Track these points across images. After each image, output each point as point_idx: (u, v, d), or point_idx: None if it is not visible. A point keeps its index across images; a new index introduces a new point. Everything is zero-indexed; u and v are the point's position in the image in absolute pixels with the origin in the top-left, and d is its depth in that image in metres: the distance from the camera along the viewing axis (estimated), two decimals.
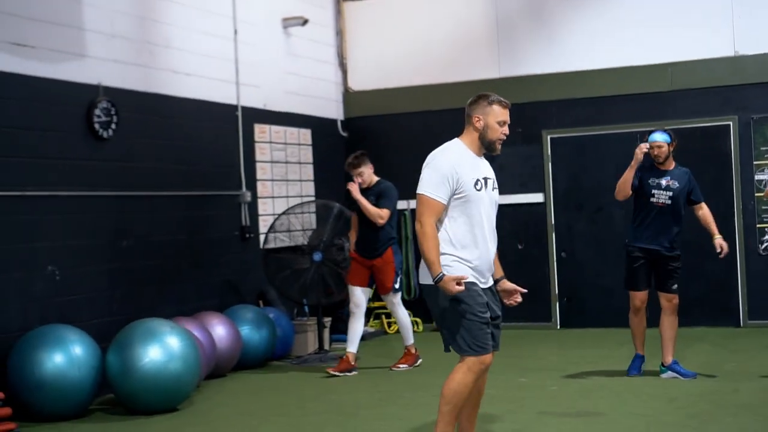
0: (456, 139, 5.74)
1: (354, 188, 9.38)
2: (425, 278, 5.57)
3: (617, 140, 11.84)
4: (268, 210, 11.22)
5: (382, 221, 9.33)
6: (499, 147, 5.69)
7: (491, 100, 5.65)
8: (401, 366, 9.58)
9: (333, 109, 12.92)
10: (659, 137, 8.59)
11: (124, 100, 9.15)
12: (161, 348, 7.79)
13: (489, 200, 5.66)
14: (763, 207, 11.33)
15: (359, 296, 9.51)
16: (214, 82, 10.53)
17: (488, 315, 5.52)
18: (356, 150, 12.75)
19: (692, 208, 8.68)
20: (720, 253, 8.55)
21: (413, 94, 12.80)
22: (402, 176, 12.54)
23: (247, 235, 10.80)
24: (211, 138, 10.42)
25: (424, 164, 5.64)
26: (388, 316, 12.74)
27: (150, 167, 9.52)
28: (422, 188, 5.52)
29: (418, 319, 12.63)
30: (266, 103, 11.40)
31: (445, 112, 12.66)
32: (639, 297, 8.67)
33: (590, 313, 11.93)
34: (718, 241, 8.56)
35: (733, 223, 11.37)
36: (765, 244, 11.39)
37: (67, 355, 7.63)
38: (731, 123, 11.44)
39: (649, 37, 11.73)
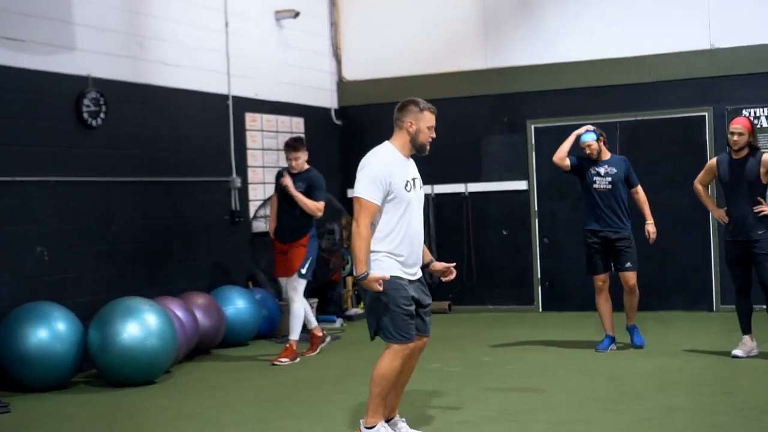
0: (387, 142, 6.16)
1: (289, 183, 9.31)
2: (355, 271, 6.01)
3: (600, 129, 12.18)
4: (258, 195, 11.72)
5: (320, 214, 9.40)
6: (428, 148, 6.12)
7: (422, 107, 6.06)
8: (283, 360, 9.21)
9: (327, 99, 13.39)
10: (588, 137, 9.33)
11: (113, 90, 9.66)
12: (139, 325, 8.32)
13: (417, 199, 6.10)
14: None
15: (289, 288, 9.51)
16: (204, 73, 11.02)
17: (413, 307, 5.96)
18: (351, 138, 13.33)
19: (631, 193, 9.35)
20: (649, 239, 9.31)
21: (405, 83, 13.19)
22: None
23: (237, 220, 11.29)
24: (201, 127, 10.92)
25: (359, 168, 6.06)
26: None
27: (139, 154, 10.04)
28: (358, 191, 5.94)
29: None
30: (257, 92, 11.88)
31: (434, 101, 12.87)
32: (600, 279, 9.35)
33: (571, 297, 12.32)
34: (648, 227, 9.32)
35: (707, 211, 11.69)
36: None
37: (50, 331, 8.17)
38: (707, 114, 11.80)
39: (629, 30, 12.11)
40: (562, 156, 9.35)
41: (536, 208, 12.59)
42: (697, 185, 8.93)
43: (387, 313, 5.88)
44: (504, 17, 12.78)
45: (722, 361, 8.46)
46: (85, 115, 9.36)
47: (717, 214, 8.81)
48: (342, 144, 13.55)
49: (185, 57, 10.72)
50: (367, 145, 12.76)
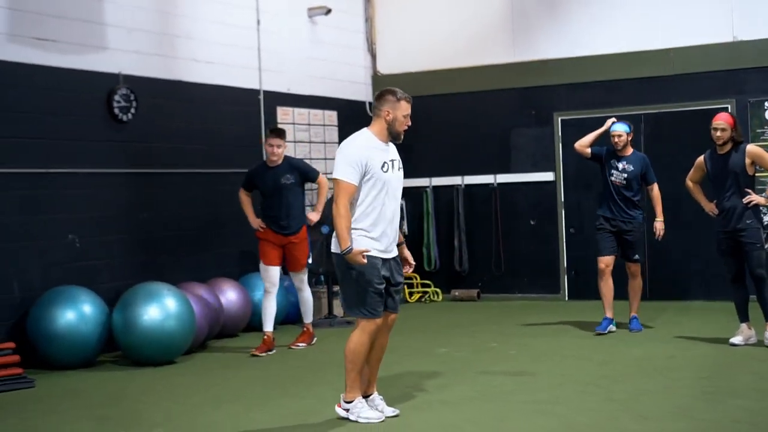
0: (365, 129, 6.56)
1: (316, 217, 9.63)
2: (336, 248, 6.42)
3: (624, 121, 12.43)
4: None
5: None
6: (402, 136, 6.50)
7: (399, 97, 6.44)
8: (300, 345, 9.60)
9: (362, 92, 13.82)
10: (620, 127, 9.80)
11: (143, 87, 10.22)
12: (159, 308, 8.86)
13: (396, 179, 6.48)
14: (759, 188, 11.76)
15: (275, 275, 9.48)
16: (236, 69, 11.53)
17: (383, 286, 6.35)
18: None
19: (647, 190, 9.78)
20: (656, 235, 9.77)
21: (437, 77, 13.61)
22: (427, 153, 13.52)
23: None
24: (232, 120, 11.42)
25: (337, 152, 6.49)
26: (410, 286, 13.62)
27: (169, 147, 10.59)
28: (336, 173, 6.36)
29: (438, 290, 13.48)
30: (290, 87, 12.36)
31: (464, 94, 13.49)
32: (603, 261, 9.91)
33: (596, 286, 12.52)
34: (656, 224, 9.83)
35: None
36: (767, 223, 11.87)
37: (77, 313, 8.77)
38: (729, 106, 11.94)
39: (652, 23, 12.32)
40: (584, 144, 9.95)
41: (562, 199, 12.87)
42: (688, 182, 9.22)
43: (357, 289, 6.28)
44: (531, 12, 13.07)
45: (718, 348, 8.70)
46: (116, 111, 9.93)
47: (708, 208, 9.02)
48: None
49: (216, 54, 11.23)
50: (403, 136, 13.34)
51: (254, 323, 10.71)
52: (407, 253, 6.70)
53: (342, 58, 13.39)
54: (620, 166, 9.80)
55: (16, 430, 6.64)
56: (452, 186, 13.50)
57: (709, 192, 9.07)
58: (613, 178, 9.79)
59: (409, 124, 6.53)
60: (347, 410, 6.44)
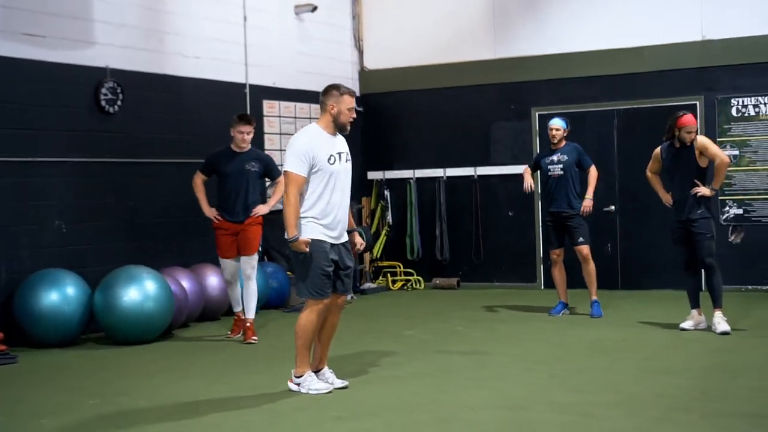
0: (313, 123, 7.03)
1: (264, 210, 9.52)
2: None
3: (599, 117, 12.92)
4: None
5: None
6: (348, 128, 6.96)
7: (342, 91, 6.91)
8: (254, 339, 9.30)
9: (348, 87, 14.22)
10: (558, 122, 10.55)
11: (130, 80, 10.71)
12: (138, 290, 9.34)
13: (343, 171, 6.95)
14: (725, 181, 12.19)
15: (232, 267, 9.45)
16: (222, 63, 12.01)
17: (331, 268, 6.82)
18: (372, 123, 14.22)
19: (586, 173, 10.47)
20: (582, 211, 10.39)
21: (421, 72, 14.06)
22: (411, 146, 14.01)
23: None
24: (217, 112, 11.85)
25: (287, 146, 6.96)
26: (393, 274, 14.09)
27: (155, 138, 11.06)
28: (286, 166, 6.83)
29: (420, 278, 13.94)
30: (275, 81, 12.83)
31: (447, 89, 13.94)
32: (554, 253, 10.62)
33: (570, 275, 12.94)
34: (585, 201, 10.39)
35: None
36: (725, 215, 12.29)
37: (61, 294, 9.26)
38: (698, 102, 12.36)
39: (627, 22, 12.74)
40: (527, 177, 10.72)
41: (539, 191, 13.25)
42: (648, 173, 9.63)
43: (306, 271, 6.75)
44: (512, 10, 13.50)
45: (669, 333, 9.12)
46: (103, 103, 10.42)
47: (664, 199, 9.45)
48: (363, 129, 14.41)
49: (203, 49, 11.71)
50: (388, 130, 13.85)
51: (206, 313, 11.13)
52: (357, 238, 7.13)
53: (329, 54, 13.85)
54: (555, 158, 10.48)
55: None
56: (435, 178, 13.95)
57: (667, 183, 9.46)
58: (550, 173, 10.46)
59: (354, 116, 6.99)
60: (298, 384, 6.91)
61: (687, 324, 9.23)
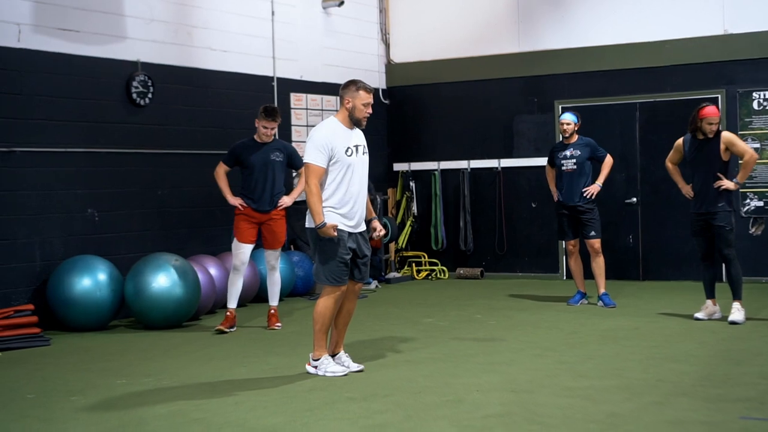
0: (332, 116, 7.30)
1: (289, 201, 9.68)
2: (310, 223, 7.16)
3: (620, 109, 13.11)
4: None
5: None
6: (364, 123, 7.24)
7: (358, 87, 7.17)
8: (278, 325, 9.64)
9: (375, 80, 14.54)
10: (568, 117, 10.68)
11: (160, 73, 11.05)
12: (167, 276, 9.68)
13: (360, 163, 7.22)
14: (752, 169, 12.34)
15: (246, 254, 9.54)
16: (250, 57, 12.32)
17: (349, 256, 7.10)
18: (398, 116, 14.50)
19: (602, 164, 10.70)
20: (585, 193, 10.59)
21: (447, 66, 14.31)
22: (436, 138, 14.28)
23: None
24: (245, 105, 12.19)
25: (307, 138, 7.24)
26: (418, 264, 14.36)
27: (184, 129, 11.40)
28: (306, 158, 7.12)
29: (444, 268, 14.20)
30: (303, 74, 13.13)
31: (472, 82, 14.20)
32: (570, 244, 10.80)
33: (587, 265, 13.17)
34: (593, 185, 10.59)
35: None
36: (746, 207, 12.44)
37: (93, 280, 9.61)
38: (719, 96, 12.51)
39: (648, 16, 12.93)
40: (552, 187, 11.03)
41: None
42: (668, 163, 9.75)
43: (325, 259, 7.04)
44: (535, 5, 13.71)
45: (682, 322, 9.32)
46: (134, 95, 10.76)
47: (684, 190, 9.55)
48: (389, 121, 14.69)
49: (232, 43, 12.03)
50: (413, 122, 14.12)
51: (261, 294, 11.48)
52: (376, 224, 7.38)
53: (356, 48, 14.13)
54: (568, 153, 10.65)
55: (27, 377, 7.48)
56: (459, 169, 14.20)
57: (687, 175, 9.59)
58: (564, 168, 10.63)
59: (370, 112, 7.24)
60: (315, 367, 7.20)
61: (701, 314, 9.42)
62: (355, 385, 6.80)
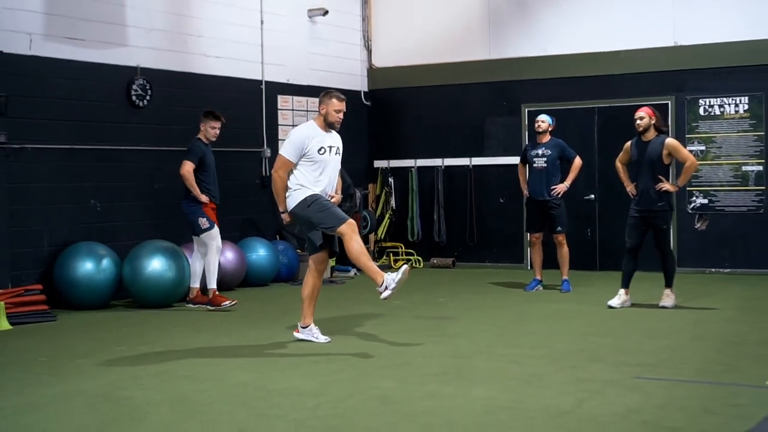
0: (311, 120, 8.47)
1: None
2: (291, 206, 8.27)
3: (580, 113, 14.27)
4: None
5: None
6: (338, 126, 8.39)
7: (331, 96, 8.34)
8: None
9: (358, 83, 15.71)
10: (545, 116, 11.77)
11: (158, 77, 12.20)
12: (161, 261, 10.83)
13: (332, 161, 8.36)
14: (692, 173, 13.49)
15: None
16: (241, 63, 13.48)
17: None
18: (379, 116, 15.66)
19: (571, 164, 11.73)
20: (553, 191, 11.60)
21: (425, 71, 15.47)
22: (413, 137, 15.43)
23: (266, 184, 13.67)
24: (237, 106, 13.34)
25: (287, 135, 8.41)
26: (396, 254, 15.52)
27: (180, 129, 12.50)
28: (281, 150, 8.31)
29: (420, 258, 15.36)
30: (289, 78, 14.29)
31: (447, 86, 15.34)
32: (534, 236, 11.91)
33: (550, 256, 14.31)
34: (561, 184, 11.63)
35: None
36: (692, 204, 13.60)
37: (95, 264, 10.75)
38: (669, 102, 13.67)
39: (606, 28, 14.10)
40: (523, 185, 12.02)
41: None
42: (617, 163, 10.66)
43: (322, 212, 8.12)
44: (505, 16, 14.87)
45: (601, 309, 10.28)
46: (134, 98, 11.91)
47: (628, 188, 10.45)
48: (370, 122, 15.85)
49: (224, 50, 13.18)
50: (392, 122, 15.26)
51: (249, 279, 12.63)
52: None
53: (339, 53, 15.28)
54: (540, 152, 11.71)
55: (38, 345, 8.63)
56: (434, 167, 15.37)
57: (633, 174, 10.53)
58: (535, 165, 11.69)
59: (341, 117, 8.39)
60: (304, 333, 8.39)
61: (615, 302, 10.26)
62: (320, 352, 7.95)
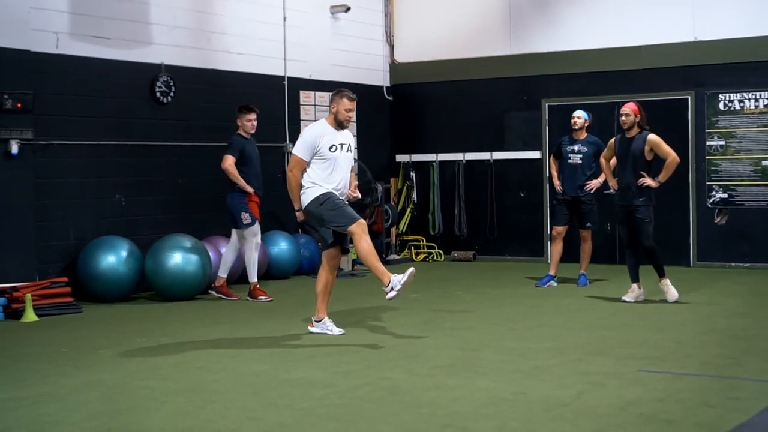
0: (322, 119, 8.67)
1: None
2: (305, 203, 8.46)
3: (600, 108, 14.30)
4: None
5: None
6: (347, 124, 8.57)
7: (342, 95, 8.51)
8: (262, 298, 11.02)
9: (380, 78, 15.90)
10: (580, 112, 11.81)
11: (182, 74, 12.44)
12: (182, 255, 11.07)
13: (344, 157, 8.54)
14: (712, 167, 13.62)
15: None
16: (264, 59, 13.70)
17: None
18: (400, 111, 15.87)
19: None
20: (588, 189, 11.65)
21: (446, 66, 15.63)
22: (434, 132, 15.62)
23: None
24: (259, 102, 13.41)
25: (300, 134, 8.60)
26: (417, 247, 15.70)
27: (203, 124, 12.79)
28: (294, 150, 8.49)
29: (441, 251, 15.53)
30: (311, 74, 14.50)
31: (468, 81, 15.50)
32: (557, 230, 11.91)
33: (575, 252, 14.44)
34: (594, 180, 11.68)
35: (687, 180, 13.72)
36: (712, 198, 13.69)
37: (118, 257, 11.01)
38: (689, 97, 13.76)
39: (627, 24, 14.20)
40: (555, 180, 11.98)
41: (547, 175, 14.73)
42: (601, 159, 10.85)
43: (334, 210, 8.31)
44: (526, 12, 15.00)
45: (613, 304, 10.40)
46: (158, 94, 12.16)
47: (611, 183, 10.61)
48: (392, 116, 16.04)
49: (247, 46, 13.41)
50: (414, 117, 15.44)
51: (271, 272, 12.86)
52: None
53: (362, 49, 15.48)
54: (575, 148, 11.75)
55: (62, 337, 8.90)
56: (455, 161, 15.54)
57: (617, 169, 10.59)
58: (570, 161, 11.72)
59: (350, 117, 8.57)
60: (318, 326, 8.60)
61: (628, 297, 10.36)
62: (334, 343, 8.15)
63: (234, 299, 11.10)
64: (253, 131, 11.17)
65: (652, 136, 10.28)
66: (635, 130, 10.28)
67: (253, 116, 11.12)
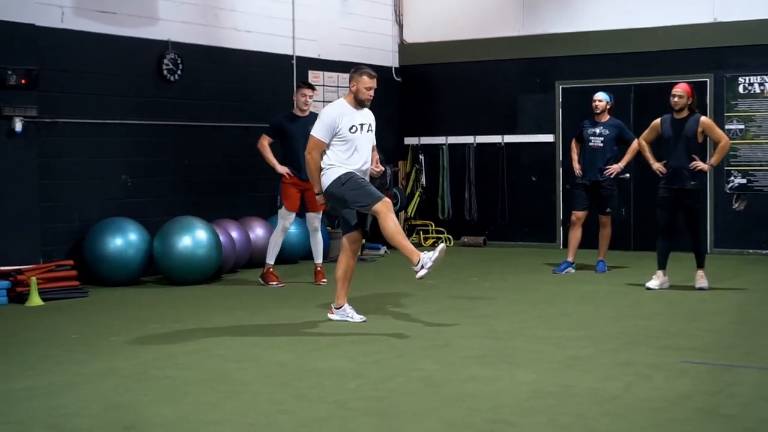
0: (341, 98, 8.30)
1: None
2: (326, 184, 8.11)
3: (616, 91, 13.88)
4: None
5: None
6: (368, 103, 8.21)
7: (362, 73, 8.15)
8: (324, 281, 10.64)
9: (389, 58, 15.52)
10: (602, 95, 11.45)
11: (189, 52, 12.05)
12: (191, 238, 10.71)
13: (364, 137, 8.19)
14: (731, 152, 13.28)
15: (291, 220, 10.70)
16: (272, 37, 13.31)
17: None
18: (410, 93, 15.48)
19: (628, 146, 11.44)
20: (606, 171, 11.35)
21: (456, 47, 15.26)
22: (444, 114, 15.25)
23: None
24: (267, 81, 13.20)
25: (319, 115, 8.24)
26: (426, 232, 15.36)
27: (210, 103, 12.41)
28: (313, 131, 8.12)
29: (450, 236, 15.20)
30: (320, 53, 14.11)
31: (480, 62, 15.14)
32: (576, 215, 11.56)
33: (588, 237, 14.10)
34: (614, 165, 11.35)
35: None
36: (731, 184, 13.37)
37: (124, 240, 10.65)
38: (708, 80, 13.42)
39: (644, 4, 13.84)
40: (576, 164, 11.61)
41: (561, 159, 14.45)
42: (642, 141, 10.48)
43: (356, 190, 7.95)
44: None
45: (636, 290, 10.11)
46: (165, 72, 11.77)
47: (656, 166, 10.22)
48: (401, 98, 15.67)
49: (255, 24, 13.02)
50: (423, 99, 15.06)
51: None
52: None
53: (370, 29, 15.09)
54: (597, 131, 11.39)
55: (70, 322, 8.54)
56: (465, 144, 15.19)
57: (657, 152, 10.37)
58: (591, 144, 11.36)
59: (371, 95, 8.21)
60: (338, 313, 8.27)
61: (653, 283, 10.09)
62: (357, 332, 7.82)
63: (275, 284, 10.64)
64: (306, 108, 10.64)
65: (705, 119, 9.97)
66: (686, 112, 9.93)
67: (308, 92, 10.64)
